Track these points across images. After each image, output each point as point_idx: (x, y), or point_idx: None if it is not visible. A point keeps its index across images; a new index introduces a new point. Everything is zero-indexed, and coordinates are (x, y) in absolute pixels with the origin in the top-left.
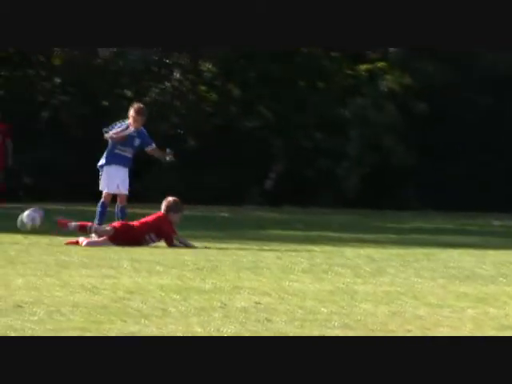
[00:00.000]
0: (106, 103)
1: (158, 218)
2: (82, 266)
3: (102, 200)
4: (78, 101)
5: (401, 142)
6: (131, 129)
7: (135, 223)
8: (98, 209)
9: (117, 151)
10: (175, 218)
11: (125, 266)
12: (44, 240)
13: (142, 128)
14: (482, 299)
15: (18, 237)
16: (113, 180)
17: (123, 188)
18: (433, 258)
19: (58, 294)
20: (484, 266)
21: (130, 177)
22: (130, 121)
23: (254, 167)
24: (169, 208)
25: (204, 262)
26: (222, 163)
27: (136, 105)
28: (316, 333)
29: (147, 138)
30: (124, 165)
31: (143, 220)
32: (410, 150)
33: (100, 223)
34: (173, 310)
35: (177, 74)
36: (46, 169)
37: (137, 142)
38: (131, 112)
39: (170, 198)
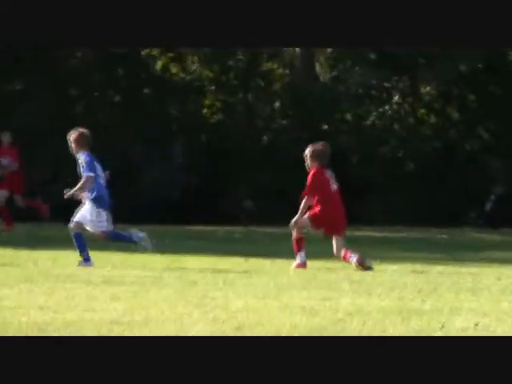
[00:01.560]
0: (325, 127)
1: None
2: (303, 287)
3: None
4: (297, 125)
5: None
6: None
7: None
8: None
9: None
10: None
11: (344, 287)
12: (265, 262)
13: None
14: None
15: (239, 260)
16: None
17: None
18: None
19: (278, 316)
20: None
21: None
22: None
23: (473, 189)
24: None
25: (424, 284)
26: (441, 185)
27: None
28: None
29: None
30: None
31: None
32: None
33: None
34: (392, 331)
35: (395, 97)
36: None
37: None
38: None
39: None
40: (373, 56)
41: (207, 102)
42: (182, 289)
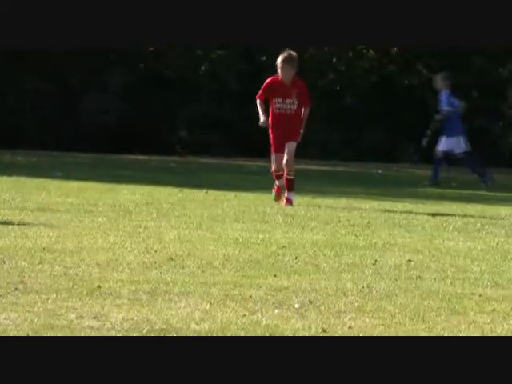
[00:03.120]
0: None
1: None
2: (236, 219)
3: None
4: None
5: None
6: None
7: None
8: None
9: None
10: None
11: (278, 220)
12: (199, 194)
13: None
14: None
15: (173, 190)
16: None
17: None
18: None
19: (211, 247)
20: None
21: None
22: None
23: (409, 125)
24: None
25: (357, 219)
26: (378, 120)
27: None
28: (467, 291)
29: None
30: None
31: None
32: None
33: None
34: (325, 265)
35: None
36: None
37: None
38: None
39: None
40: None
41: None
42: (116, 218)
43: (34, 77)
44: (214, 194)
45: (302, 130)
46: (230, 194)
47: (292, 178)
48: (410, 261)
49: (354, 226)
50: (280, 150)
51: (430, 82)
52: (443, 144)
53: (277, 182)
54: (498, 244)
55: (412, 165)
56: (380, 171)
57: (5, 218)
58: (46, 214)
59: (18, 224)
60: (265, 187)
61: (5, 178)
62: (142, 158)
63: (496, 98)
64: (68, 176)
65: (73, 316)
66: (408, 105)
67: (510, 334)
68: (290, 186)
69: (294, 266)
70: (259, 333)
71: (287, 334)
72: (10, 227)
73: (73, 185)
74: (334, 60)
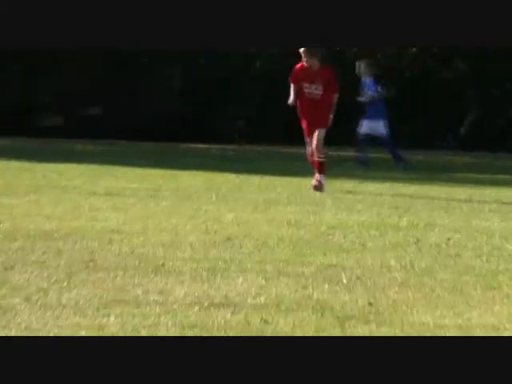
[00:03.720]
0: None
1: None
2: (289, 202)
3: None
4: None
5: None
6: None
7: None
8: None
9: None
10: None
11: (328, 203)
12: (254, 180)
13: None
14: None
15: (231, 176)
16: None
17: None
18: None
19: (265, 228)
20: None
21: None
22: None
23: (448, 115)
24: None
25: (400, 202)
26: (419, 111)
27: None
28: (501, 267)
29: None
30: None
31: None
32: None
33: None
34: (370, 244)
35: None
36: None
37: None
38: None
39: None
40: None
41: None
42: (178, 202)
43: (99, 70)
44: (268, 179)
45: (331, 115)
46: (283, 180)
47: (322, 160)
48: (449, 239)
49: (397, 208)
50: (310, 133)
51: (467, 76)
52: (364, 127)
53: (317, 178)
54: None
55: (450, 151)
56: (420, 157)
57: (76, 202)
58: (113, 199)
59: (89, 208)
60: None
61: (76, 165)
62: (202, 146)
63: None
64: (133, 163)
65: (139, 291)
66: (445, 97)
67: None
68: (321, 169)
69: (343, 244)
70: (311, 306)
71: (336, 307)
72: (82, 210)
73: (138, 171)
74: (379, 56)
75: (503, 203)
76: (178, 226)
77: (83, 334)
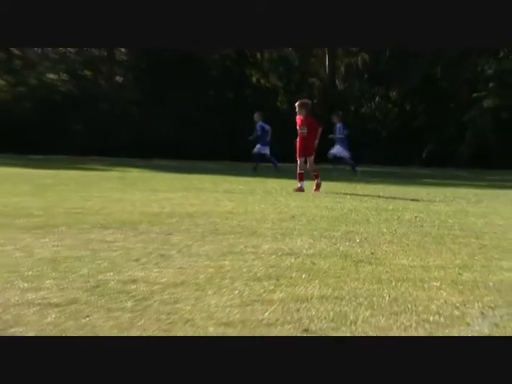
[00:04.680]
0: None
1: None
2: (325, 196)
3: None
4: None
5: None
6: None
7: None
8: None
9: None
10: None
11: (347, 196)
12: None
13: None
14: None
15: (295, 181)
16: None
17: None
18: None
19: (313, 210)
20: None
21: None
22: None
23: (414, 146)
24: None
25: (388, 196)
26: (397, 143)
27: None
28: (445, 232)
29: None
30: None
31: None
32: None
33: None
34: (372, 220)
35: None
36: None
37: None
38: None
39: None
40: None
41: None
42: (264, 196)
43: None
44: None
45: (315, 146)
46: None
47: (315, 173)
48: (416, 217)
49: (386, 199)
50: (299, 157)
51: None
52: (335, 150)
53: (299, 184)
54: (462, 208)
55: (415, 167)
56: (398, 170)
57: (207, 196)
58: (228, 194)
59: (214, 199)
60: (337, 178)
61: (205, 176)
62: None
63: None
64: (239, 174)
65: (242, 246)
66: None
67: (465, 249)
68: (300, 178)
69: (356, 219)
70: (338, 254)
71: (352, 255)
72: (210, 201)
73: (242, 179)
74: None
75: (446, 196)
76: (264, 210)
77: (210, 271)
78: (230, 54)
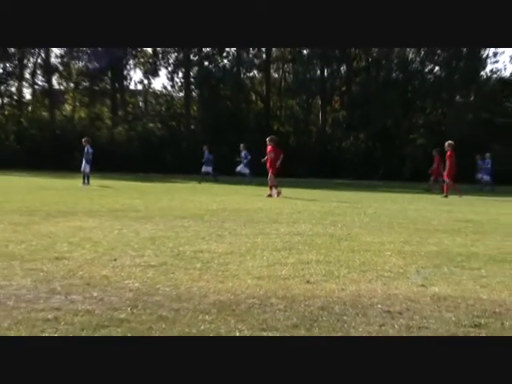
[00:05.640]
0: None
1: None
2: (319, 201)
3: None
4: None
5: None
6: None
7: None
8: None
9: None
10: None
11: (334, 202)
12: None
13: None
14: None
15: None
16: None
17: None
18: None
19: (314, 208)
20: None
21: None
22: None
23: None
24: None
25: (357, 199)
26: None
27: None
28: (397, 221)
29: None
30: None
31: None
32: None
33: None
34: (348, 213)
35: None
36: None
37: None
38: None
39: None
40: None
41: None
42: (285, 201)
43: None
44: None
45: (276, 166)
46: (320, 192)
47: (271, 184)
48: (375, 212)
49: (357, 202)
50: (270, 173)
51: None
52: (240, 168)
53: (274, 190)
54: (404, 206)
55: (376, 181)
56: (366, 182)
57: (245, 199)
58: (260, 198)
59: (251, 201)
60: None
61: (243, 186)
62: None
63: None
64: (261, 185)
65: (268, 230)
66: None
67: (406, 231)
68: (271, 187)
69: (337, 213)
70: (327, 235)
71: (336, 234)
72: (247, 201)
73: (262, 188)
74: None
75: (394, 199)
76: (283, 208)
77: (248, 245)
78: (261, 111)
